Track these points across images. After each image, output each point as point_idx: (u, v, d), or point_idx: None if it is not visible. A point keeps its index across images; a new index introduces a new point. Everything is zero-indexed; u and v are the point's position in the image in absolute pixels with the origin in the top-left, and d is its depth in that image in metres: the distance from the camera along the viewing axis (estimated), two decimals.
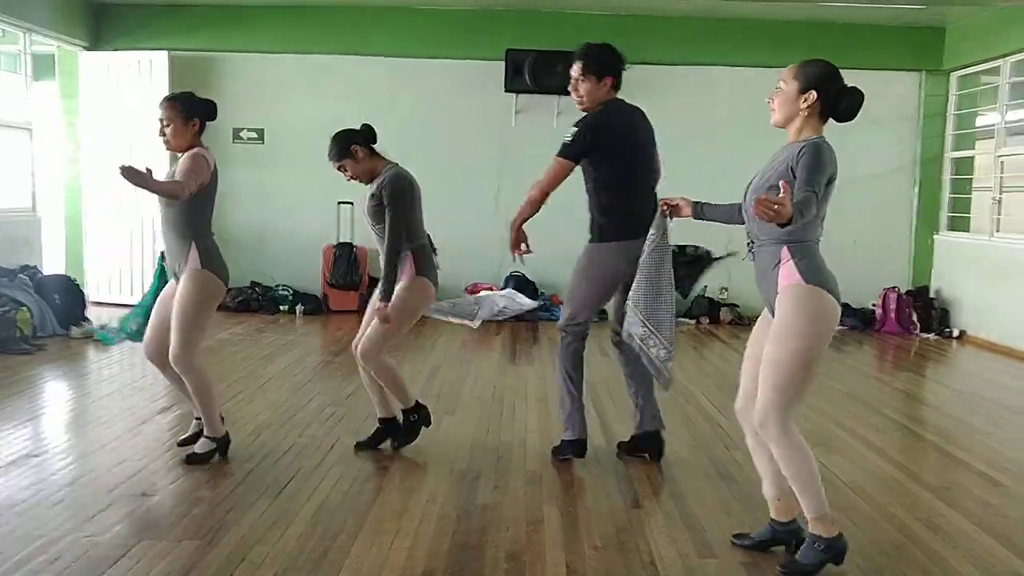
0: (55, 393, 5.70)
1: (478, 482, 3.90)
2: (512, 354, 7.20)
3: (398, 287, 4.08)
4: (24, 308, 6.92)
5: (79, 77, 8.99)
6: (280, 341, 7.32)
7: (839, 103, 2.98)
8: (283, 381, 5.83)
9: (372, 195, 4.11)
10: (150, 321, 4.09)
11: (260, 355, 6.71)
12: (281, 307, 8.83)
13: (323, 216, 8.89)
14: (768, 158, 3.13)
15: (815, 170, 2.85)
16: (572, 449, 4.25)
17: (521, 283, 8.93)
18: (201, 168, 3.81)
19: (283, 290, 9.00)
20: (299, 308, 8.80)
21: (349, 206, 8.53)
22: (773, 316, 3.00)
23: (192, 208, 3.86)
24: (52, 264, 8.60)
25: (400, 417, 4.35)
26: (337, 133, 4.16)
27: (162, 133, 3.90)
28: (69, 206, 9.12)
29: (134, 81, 8.81)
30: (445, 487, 3.82)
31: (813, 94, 2.98)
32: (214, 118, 4.01)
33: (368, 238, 4.50)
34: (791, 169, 2.90)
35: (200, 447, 4.03)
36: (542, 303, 8.99)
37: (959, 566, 3.14)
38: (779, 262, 2.94)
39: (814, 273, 2.91)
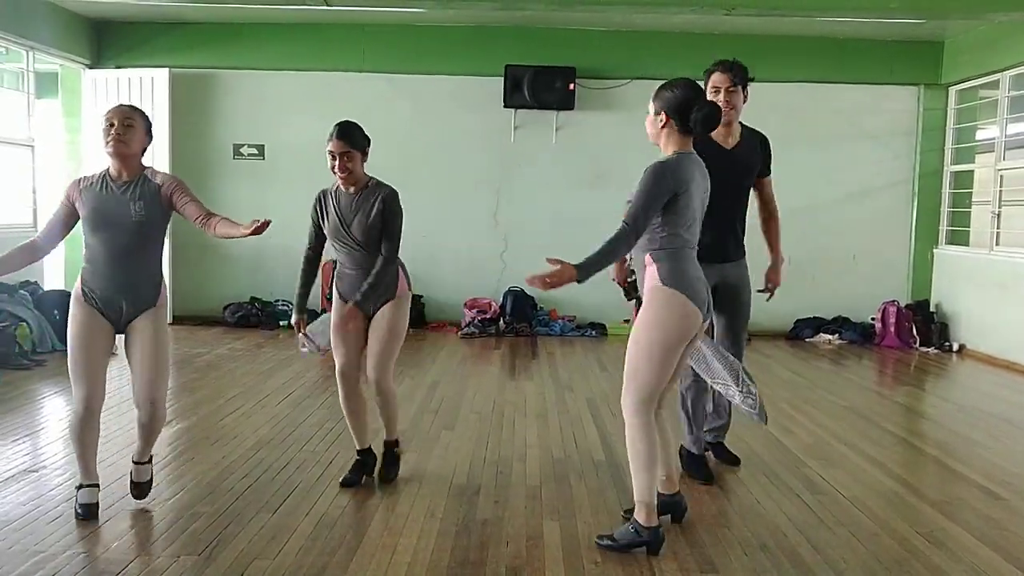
0: (54, 408, 5.68)
1: (477, 497, 3.89)
2: (511, 369, 7.19)
3: (395, 303, 4.01)
4: (24, 324, 6.94)
5: (81, 95, 9.05)
6: (280, 356, 7.32)
7: (689, 120, 3.19)
8: (282, 396, 5.82)
9: (373, 208, 3.88)
10: (92, 374, 3.46)
11: (260, 370, 6.70)
12: (281, 322, 8.83)
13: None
14: None
15: (640, 194, 3.15)
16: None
17: (520, 298, 8.93)
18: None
19: (283, 305, 9.00)
20: None
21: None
22: None
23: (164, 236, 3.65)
24: (52, 280, 8.61)
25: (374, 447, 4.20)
26: (353, 122, 3.92)
27: (118, 134, 3.43)
28: None
29: (136, 98, 8.84)
30: (444, 502, 3.81)
31: (663, 116, 3.23)
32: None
33: None
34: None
35: (144, 474, 3.72)
36: (541, 317, 9.01)
37: None
38: (644, 267, 3.27)
39: (670, 276, 3.18)
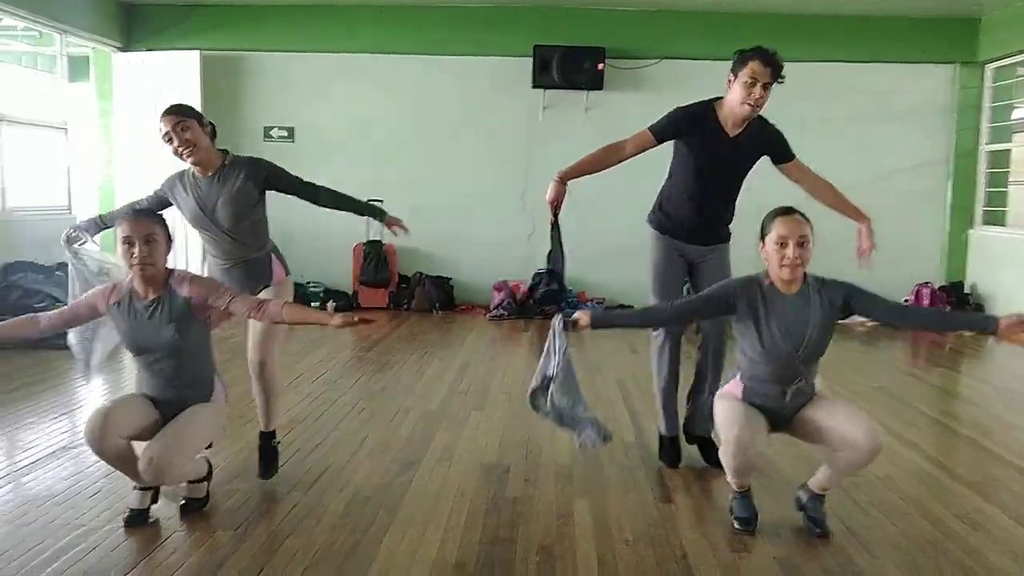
0: (91, 387, 5.78)
1: (508, 476, 3.91)
2: (540, 351, 7.17)
3: (276, 289, 3.72)
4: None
5: (113, 78, 9.15)
6: (312, 337, 7.37)
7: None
8: (315, 376, 5.88)
9: (237, 185, 3.55)
10: (111, 421, 3.14)
11: (292, 351, 6.75)
12: (312, 304, 8.90)
13: (353, 215, 8.92)
14: (781, 312, 3.43)
15: None
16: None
17: (548, 280, 8.90)
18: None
19: (314, 287, 9.08)
20: (330, 305, 8.87)
21: (379, 203, 8.57)
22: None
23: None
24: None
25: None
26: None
27: (143, 257, 3.13)
28: (103, 205, 9.23)
29: (167, 81, 8.92)
30: (475, 481, 3.83)
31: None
32: None
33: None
34: (846, 306, 3.44)
35: (198, 492, 3.47)
36: (569, 299, 9.00)
37: (998, 561, 3.10)
38: None
39: None
